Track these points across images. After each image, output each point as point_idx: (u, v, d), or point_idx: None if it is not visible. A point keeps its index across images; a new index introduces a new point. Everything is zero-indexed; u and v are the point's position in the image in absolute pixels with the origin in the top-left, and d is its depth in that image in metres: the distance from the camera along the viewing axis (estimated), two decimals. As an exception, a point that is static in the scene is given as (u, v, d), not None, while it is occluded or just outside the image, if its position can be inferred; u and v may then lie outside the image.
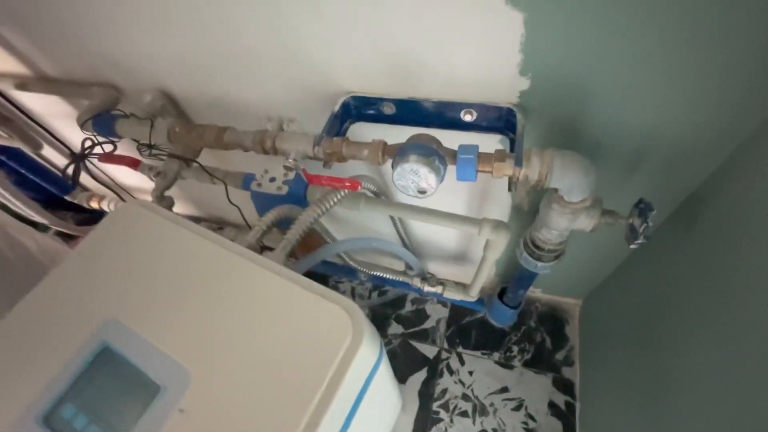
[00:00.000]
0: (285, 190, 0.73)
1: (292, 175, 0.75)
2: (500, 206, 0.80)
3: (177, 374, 0.40)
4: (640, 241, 0.56)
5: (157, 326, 0.44)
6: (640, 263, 0.81)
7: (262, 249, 0.58)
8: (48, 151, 1.19)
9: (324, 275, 1.29)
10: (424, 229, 0.99)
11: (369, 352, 0.43)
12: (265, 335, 0.42)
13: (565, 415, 0.99)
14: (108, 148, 0.82)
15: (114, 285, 0.48)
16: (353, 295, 1.27)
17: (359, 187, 0.60)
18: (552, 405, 1.01)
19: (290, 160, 0.60)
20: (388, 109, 0.64)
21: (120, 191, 1.32)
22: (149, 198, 0.74)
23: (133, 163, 0.72)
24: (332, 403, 0.38)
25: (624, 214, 0.59)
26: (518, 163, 0.51)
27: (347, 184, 0.58)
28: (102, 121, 0.75)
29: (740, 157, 0.54)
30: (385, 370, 0.54)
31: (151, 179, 0.73)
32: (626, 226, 0.59)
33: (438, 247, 1.05)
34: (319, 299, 0.42)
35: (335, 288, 1.28)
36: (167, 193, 0.71)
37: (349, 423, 0.44)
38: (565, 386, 1.03)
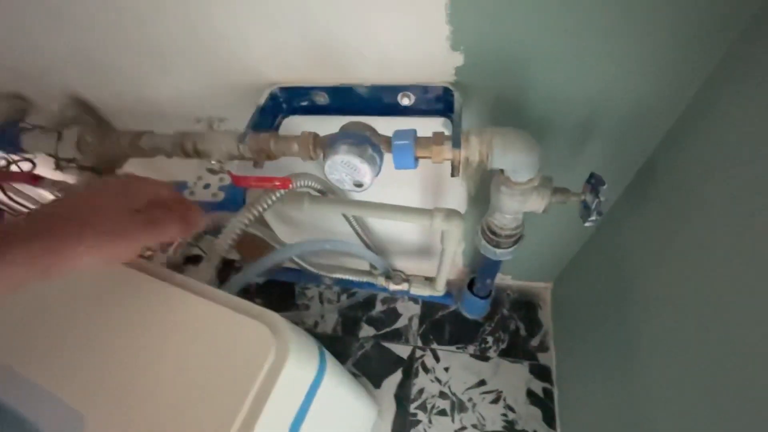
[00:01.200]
0: (221, 196, 0.67)
1: (228, 181, 0.69)
2: (457, 196, 0.77)
3: (69, 421, 0.34)
4: (593, 218, 0.53)
5: (53, 368, 0.37)
6: (603, 240, 0.80)
7: (188, 260, 0.52)
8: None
9: (289, 283, 1.23)
10: (382, 226, 0.94)
11: (301, 367, 0.38)
12: (173, 364, 0.36)
13: (543, 401, 0.97)
14: (26, 166, 0.73)
15: (6, 325, 0.41)
16: (321, 300, 1.21)
17: (290, 185, 0.55)
18: (530, 393, 0.99)
19: (213, 162, 0.54)
20: (321, 99, 0.59)
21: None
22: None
23: (32, 179, 0.64)
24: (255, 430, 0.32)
25: (577, 191, 0.56)
26: (456, 144, 0.47)
27: (276, 183, 0.53)
28: (5, 135, 0.67)
29: (687, 122, 0.52)
30: (334, 382, 0.49)
31: (55, 196, 0.65)
32: (579, 203, 0.56)
33: (400, 242, 1.01)
34: (236, 316, 0.37)
35: (302, 295, 1.23)
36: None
37: (290, 449, 0.39)
38: (541, 373, 1.01)
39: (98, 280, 0.42)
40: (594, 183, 0.53)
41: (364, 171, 0.48)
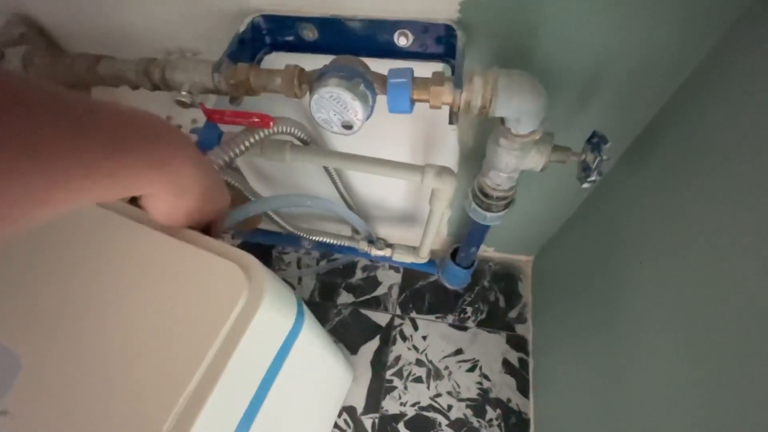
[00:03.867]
0: (193, 139, 0.61)
1: (201, 122, 0.63)
2: (447, 156, 0.73)
3: (1, 362, 0.29)
4: (593, 178, 0.51)
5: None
6: (589, 213, 0.78)
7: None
8: None
9: (267, 246, 1.18)
10: (367, 188, 0.90)
11: (276, 314, 0.34)
12: (131, 302, 0.32)
13: (518, 371, 0.98)
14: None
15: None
16: (299, 265, 1.17)
17: (271, 124, 0.50)
18: (506, 363, 0.99)
19: (183, 93, 0.48)
20: (309, 34, 0.53)
21: None
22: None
23: None
24: (223, 375, 0.29)
25: (575, 150, 0.54)
26: (458, 85, 0.43)
27: (255, 119, 0.47)
28: (-62, 53, 0.57)
29: (694, 85, 0.49)
30: (311, 338, 0.45)
31: None
32: (578, 163, 0.54)
33: (385, 207, 0.97)
34: (203, 253, 0.33)
35: (279, 260, 1.18)
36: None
37: (262, 398, 0.36)
38: (518, 343, 1.01)
39: (64, 219, 0.37)
40: (596, 142, 0.51)
41: (355, 108, 0.43)
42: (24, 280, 0.33)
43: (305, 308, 0.43)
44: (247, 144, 0.52)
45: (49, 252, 0.35)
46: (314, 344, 0.48)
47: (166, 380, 0.28)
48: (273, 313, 0.33)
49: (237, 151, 0.51)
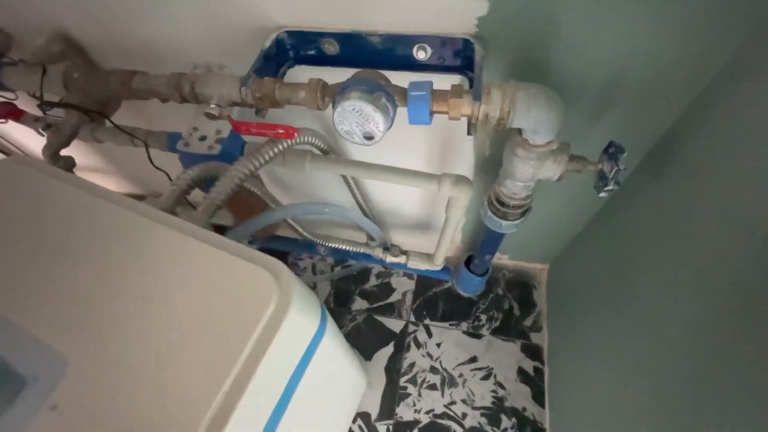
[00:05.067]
0: (217, 149, 0.64)
1: (226, 133, 0.65)
2: (463, 164, 0.74)
3: (51, 362, 0.32)
4: (610, 188, 0.51)
5: (31, 306, 0.35)
6: (605, 222, 0.78)
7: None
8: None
9: (282, 252, 1.20)
10: (383, 196, 0.92)
11: (303, 319, 0.36)
12: (168, 307, 0.34)
13: (533, 380, 0.98)
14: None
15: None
16: (314, 271, 1.19)
17: (295, 135, 0.51)
18: (521, 371, 0.99)
19: (212, 106, 0.50)
20: (331, 48, 0.56)
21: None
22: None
23: (13, 113, 0.59)
24: (254, 379, 0.30)
25: (592, 160, 0.54)
26: (477, 97, 0.44)
27: (280, 131, 0.49)
28: (-16, 70, 0.61)
29: (710, 98, 0.50)
30: (333, 343, 0.47)
31: (39, 133, 0.61)
32: (596, 173, 0.54)
33: (400, 215, 0.98)
34: (235, 260, 0.34)
35: (294, 265, 1.20)
36: (72, 153, 0.60)
37: (287, 401, 0.37)
38: (533, 352, 1.01)
39: (88, 220, 0.39)
40: (613, 152, 0.51)
41: (377, 120, 0.45)
42: (69, 285, 0.36)
43: (327, 313, 0.44)
44: (271, 154, 0.54)
45: (92, 259, 0.37)
46: (335, 349, 0.49)
47: (201, 382, 0.30)
48: (300, 317, 0.35)
49: (262, 161, 0.53)
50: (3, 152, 1.01)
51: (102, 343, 0.32)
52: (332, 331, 0.46)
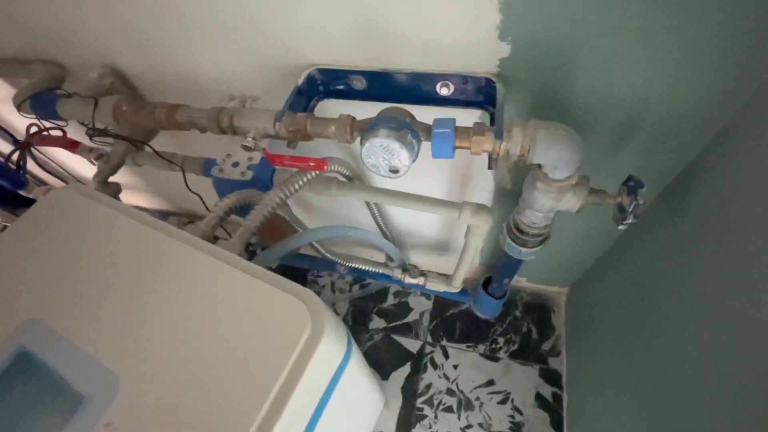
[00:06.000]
0: (249, 175, 0.67)
1: (257, 160, 0.69)
2: (483, 190, 0.76)
3: (104, 381, 0.34)
4: (629, 221, 0.52)
5: (86, 326, 0.38)
6: (628, 247, 0.78)
7: (216, 239, 0.52)
8: (-3, 142, 1.10)
9: (302, 269, 1.24)
10: (403, 218, 0.94)
11: (333, 346, 0.38)
12: (211, 332, 0.36)
13: (552, 406, 0.96)
14: (55, 134, 0.74)
15: (39, 280, 0.41)
16: (333, 289, 1.21)
17: (325, 167, 0.55)
18: (539, 397, 0.98)
19: (249, 139, 0.54)
20: (358, 84, 0.59)
21: (81, 184, 1.23)
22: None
23: (71, 145, 0.65)
24: (288, 404, 0.32)
25: (611, 193, 0.55)
26: (498, 135, 0.46)
27: (311, 164, 0.52)
28: (42, 101, 0.67)
29: (732, 130, 0.51)
30: (357, 367, 0.49)
31: (92, 163, 0.66)
32: (615, 205, 0.55)
33: (419, 236, 1.00)
34: (272, 290, 0.37)
35: (314, 283, 1.23)
36: (118, 175, 0.64)
37: (314, 424, 0.39)
38: (552, 377, 1.00)
39: (136, 246, 0.43)
40: (632, 185, 0.52)
41: (403, 156, 0.48)
42: (120, 307, 0.39)
43: (353, 340, 0.46)
44: (301, 183, 0.57)
45: (141, 284, 0.40)
46: (358, 373, 0.51)
47: (241, 405, 0.32)
48: (331, 346, 0.37)
49: (293, 189, 0.56)
50: (52, 174, 1.08)
51: (150, 364, 0.35)
52: (356, 356, 0.48)
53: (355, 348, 0.48)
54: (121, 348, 0.36)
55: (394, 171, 0.50)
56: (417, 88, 0.57)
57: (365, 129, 0.49)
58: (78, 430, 0.33)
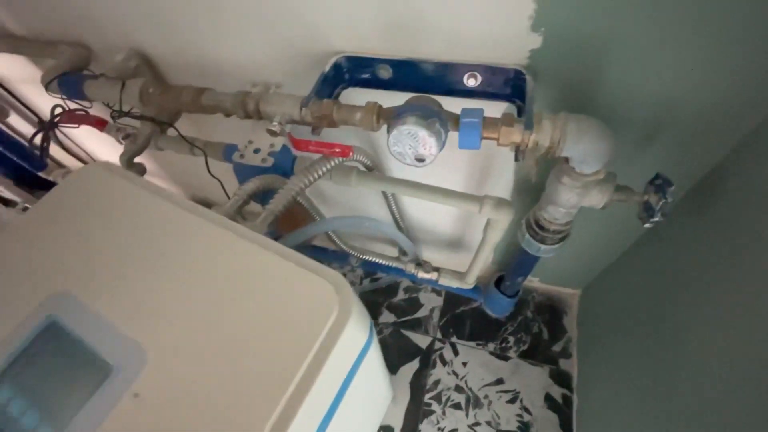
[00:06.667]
0: (270, 162, 0.67)
1: (278, 147, 0.69)
2: (501, 185, 0.75)
3: (132, 353, 0.35)
4: (656, 219, 0.51)
5: (114, 299, 0.38)
6: (646, 251, 0.77)
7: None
8: (19, 123, 1.11)
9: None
10: (419, 212, 0.94)
11: (358, 331, 0.38)
12: (238, 309, 0.36)
13: (561, 408, 0.96)
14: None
15: (68, 253, 0.42)
16: (344, 282, 1.21)
17: (350, 154, 0.55)
18: (548, 398, 0.97)
19: (275, 124, 0.54)
20: (384, 73, 0.59)
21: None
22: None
23: (99, 123, 0.65)
24: (314, 386, 0.32)
25: (637, 190, 0.54)
26: (528, 126, 0.46)
27: (337, 150, 0.52)
28: (69, 81, 0.68)
29: (763, 133, 0.50)
30: (375, 354, 0.49)
31: (119, 142, 0.66)
32: (640, 204, 0.54)
33: (433, 231, 1.00)
34: (301, 271, 0.37)
35: (325, 275, 1.23)
36: (138, 159, 0.65)
37: (335, 410, 0.39)
38: (562, 379, 0.99)
39: (164, 223, 0.43)
40: (660, 183, 0.52)
41: (430, 145, 0.47)
42: (149, 284, 0.39)
43: (373, 326, 0.46)
44: (323, 170, 0.57)
45: (170, 261, 0.40)
46: (375, 360, 0.51)
47: (266, 386, 0.32)
48: (356, 329, 0.37)
49: (316, 176, 0.56)
50: (73, 156, 1.10)
51: (178, 339, 0.35)
52: (376, 343, 0.48)
53: (375, 334, 0.48)
54: (149, 322, 0.36)
55: (420, 160, 0.50)
56: (443, 79, 0.56)
57: (392, 116, 0.49)
58: (106, 398, 0.33)
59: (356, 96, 0.61)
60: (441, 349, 1.06)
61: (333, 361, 0.34)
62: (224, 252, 0.40)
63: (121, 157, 0.63)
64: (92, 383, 0.34)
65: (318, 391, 0.33)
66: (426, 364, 1.05)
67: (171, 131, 0.71)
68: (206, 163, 0.68)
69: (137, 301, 0.38)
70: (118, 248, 0.42)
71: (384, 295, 1.17)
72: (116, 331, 0.36)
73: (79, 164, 1.24)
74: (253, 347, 0.34)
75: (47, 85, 0.67)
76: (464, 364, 1.03)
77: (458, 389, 1.00)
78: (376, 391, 0.66)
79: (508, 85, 0.54)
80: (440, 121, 0.48)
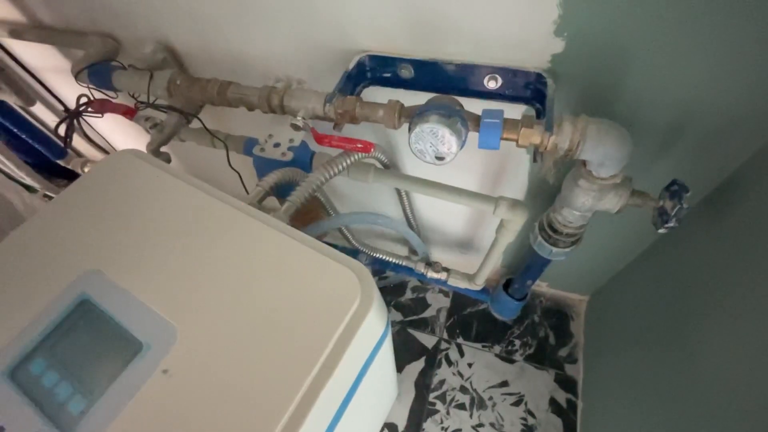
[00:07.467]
0: (289, 156, 0.69)
1: (297, 141, 0.71)
2: (515, 187, 0.76)
3: (162, 331, 0.36)
4: (671, 225, 0.52)
5: (145, 280, 0.40)
6: (658, 258, 0.77)
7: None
8: (42, 112, 1.14)
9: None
10: (431, 212, 0.95)
11: (377, 320, 0.39)
12: (264, 294, 0.38)
13: (566, 413, 0.96)
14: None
15: (99, 234, 0.43)
16: (352, 279, 1.22)
17: (372, 150, 0.56)
18: (553, 402, 0.97)
19: (299, 119, 0.56)
20: (406, 72, 0.60)
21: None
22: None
23: (129, 112, 0.67)
24: (336, 370, 0.33)
25: (653, 196, 0.55)
26: (548, 128, 0.47)
27: (359, 145, 0.54)
28: (98, 71, 0.70)
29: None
30: (389, 346, 0.50)
31: (147, 131, 0.68)
32: (655, 209, 0.55)
33: (443, 232, 1.01)
34: (325, 259, 0.38)
35: (334, 271, 1.24)
36: (164, 149, 0.67)
37: (352, 395, 0.40)
38: (567, 384, 0.99)
39: (192, 209, 0.44)
40: (676, 189, 0.52)
41: (451, 143, 0.48)
42: (175, 266, 0.41)
43: (389, 315, 0.47)
44: (344, 165, 0.59)
45: (199, 245, 0.42)
46: (388, 352, 0.52)
47: (290, 369, 0.33)
48: (376, 317, 0.38)
49: (336, 170, 0.58)
50: (96, 145, 1.12)
51: (206, 319, 0.37)
52: (390, 335, 0.49)
53: (389, 326, 0.49)
54: (179, 302, 0.38)
55: (440, 158, 0.51)
56: (464, 80, 0.58)
57: (414, 114, 0.50)
58: (137, 374, 0.35)
59: (376, 94, 0.62)
60: (447, 349, 1.07)
61: (354, 346, 0.35)
62: (251, 239, 0.41)
63: (148, 145, 0.64)
64: (123, 359, 0.35)
65: (338, 376, 0.34)
66: (431, 364, 1.05)
67: (193, 123, 0.72)
68: (227, 155, 0.69)
69: (167, 281, 0.39)
70: (148, 231, 0.43)
71: (391, 294, 1.18)
72: (147, 310, 0.37)
73: (97, 154, 1.26)
74: (279, 330, 0.35)
75: (77, 75, 0.69)
76: (470, 365, 1.04)
77: (463, 390, 1.01)
78: (386, 385, 0.67)
79: (528, 88, 0.55)
80: (461, 121, 0.49)
